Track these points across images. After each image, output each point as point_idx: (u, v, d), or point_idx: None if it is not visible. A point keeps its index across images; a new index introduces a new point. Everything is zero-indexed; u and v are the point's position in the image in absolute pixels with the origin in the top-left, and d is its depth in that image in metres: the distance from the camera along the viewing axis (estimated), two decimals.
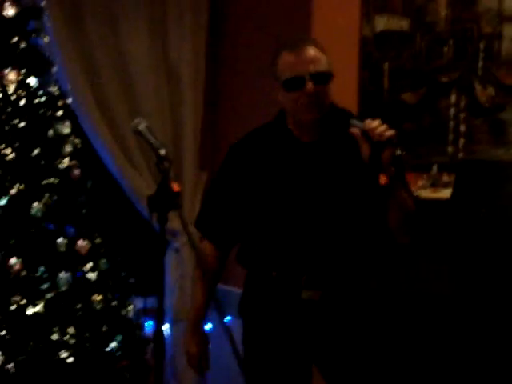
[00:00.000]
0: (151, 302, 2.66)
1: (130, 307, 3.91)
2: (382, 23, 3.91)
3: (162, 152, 2.32)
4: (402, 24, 3.87)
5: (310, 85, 2.62)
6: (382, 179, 2.58)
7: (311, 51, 2.67)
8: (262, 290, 2.83)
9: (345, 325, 2.79)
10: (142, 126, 2.42)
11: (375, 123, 2.55)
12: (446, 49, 3.83)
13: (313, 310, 2.75)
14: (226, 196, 2.85)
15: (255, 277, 2.86)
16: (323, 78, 2.66)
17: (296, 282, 2.73)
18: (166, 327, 4.37)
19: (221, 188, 2.89)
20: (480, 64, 3.78)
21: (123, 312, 3.86)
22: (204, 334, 2.96)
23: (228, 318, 3.92)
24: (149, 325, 4.06)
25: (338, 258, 2.74)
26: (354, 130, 2.58)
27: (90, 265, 3.80)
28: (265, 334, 2.82)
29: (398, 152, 2.57)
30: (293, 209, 2.73)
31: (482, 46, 3.78)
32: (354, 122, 2.60)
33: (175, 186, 2.30)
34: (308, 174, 2.74)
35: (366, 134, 2.55)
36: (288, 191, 2.74)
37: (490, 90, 3.78)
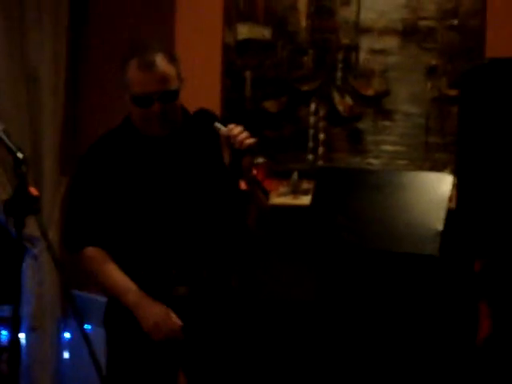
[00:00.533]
0: (6, 310, 2.58)
1: None
2: (244, 31, 3.95)
3: (20, 155, 2.26)
4: (264, 33, 3.93)
5: (156, 105, 2.62)
6: (243, 185, 2.61)
7: (161, 67, 2.63)
8: None
9: (207, 324, 2.79)
10: None
11: (236, 130, 2.57)
12: (306, 58, 3.91)
13: (182, 306, 2.74)
14: (87, 205, 2.79)
15: None
16: (171, 97, 2.66)
17: (166, 277, 2.72)
18: (21, 336, 4.25)
19: (79, 200, 2.82)
20: (339, 74, 3.88)
21: None
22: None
23: (88, 327, 3.85)
24: (4, 334, 3.94)
25: (200, 254, 2.75)
26: (222, 132, 2.59)
27: None
28: (132, 341, 2.77)
29: (260, 160, 2.61)
30: (154, 205, 2.72)
31: (340, 56, 3.89)
32: (218, 125, 2.62)
33: (33, 191, 2.24)
34: (161, 170, 2.73)
35: (228, 139, 2.57)
36: (147, 189, 2.73)
37: (348, 100, 3.90)
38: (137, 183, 2.74)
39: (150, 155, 2.75)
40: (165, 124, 2.66)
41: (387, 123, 3.88)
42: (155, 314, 2.67)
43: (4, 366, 3.58)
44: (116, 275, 2.72)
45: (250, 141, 2.56)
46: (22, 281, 4.24)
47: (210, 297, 2.78)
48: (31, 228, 2.79)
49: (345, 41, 3.88)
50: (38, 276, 4.39)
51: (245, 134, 2.57)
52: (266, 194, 2.87)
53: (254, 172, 2.70)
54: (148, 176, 2.74)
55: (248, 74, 3.96)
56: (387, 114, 3.88)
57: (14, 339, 2.25)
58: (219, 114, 3.91)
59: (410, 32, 3.85)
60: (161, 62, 2.64)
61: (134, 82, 2.64)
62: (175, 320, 2.68)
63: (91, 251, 2.77)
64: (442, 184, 3.28)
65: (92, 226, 2.80)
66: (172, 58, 2.68)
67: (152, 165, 2.75)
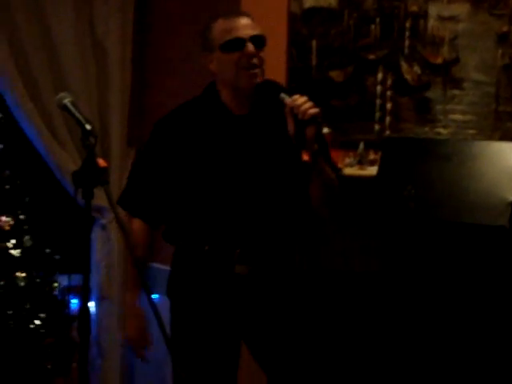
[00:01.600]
0: (76, 279, 2.62)
1: (55, 285, 3.86)
2: (309, 0, 3.91)
3: (88, 127, 2.27)
4: (331, 1, 3.88)
5: (250, 46, 2.64)
6: (305, 156, 2.60)
7: (246, 18, 2.71)
8: (192, 267, 2.81)
9: (272, 301, 2.80)
10: (67, 101, 2.37)
11: (301, 100, 2.55)
12: (373, 27, 3.86)
13: (243, 285, 2.75)
14: (154, 170, 2.82)
15: (184, 253, 2.84)
16: (261, 41, 2.68)
17: (229, 256, 2.73)
18: (91, 305, 4.33)
19: (147, 162, 2.85)
20: (406, 42, 3.82)
21: (47, 289, 3.80)
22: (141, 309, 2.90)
23: (155, 296, 3.90)
24: (74, 303, 4.01)
25: (267, 232, 2.75)
26: (287, 102, 2.58)
27: (13, 241, 3.72)
28: (194, 313, 2.81)
29: (325, 130, 2.59)
30: (223, 182, 2.73)
31: (408, 24, 3.83)
32: (283, 96, 2.61)
33: (101, 162, 2.26)
34: (239, 147, 2.74)
35: (292, 110, 2.56)
36: (218, 164, 2.73)
37: (416, 69, 3.83)
38: (204, 156, 2.74)
39: (225, 128, 2.75)
40: (257, 70, 2.65)
41: (456, 92, 3.81)
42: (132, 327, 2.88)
43: (75, 334, 3.64)
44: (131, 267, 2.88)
45: (314, 110, 2.54)
46: (91, 251, 4.35)
47: (273, 276, 2.78)
48: (99, 199, 2.82)
49: (413, 8, 3.81)
50: (106, 246, 4.46)
51: (309, 104, 2.55)
52: (336, 170, 2.84)
53: (324, 143, 2.68)
54: (217, 149, 2.75)
55: (314, 43, 3.92)
56: (456, 83, 3.80)
57: (84, 308, 2.28)
58: (284, 83, 3.89)
59: None
60: (246, 15, 2.73)
61: (223, 32, 2.67)
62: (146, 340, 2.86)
63: (137, 225, 2.85)
64: None
65: (146, 197, 2.82)
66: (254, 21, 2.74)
67: (225, 139, 2.75)
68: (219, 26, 2.69)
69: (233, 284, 2.75)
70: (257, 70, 2.66)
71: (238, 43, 2.64)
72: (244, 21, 2.68)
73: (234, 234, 2.74)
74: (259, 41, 2.67)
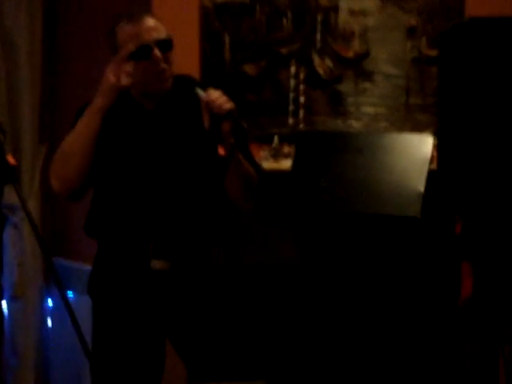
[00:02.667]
0: None
1: None
2: None
3: None
4: None
5: (157, 52, 2.59)
6: (221, 150, 2.60)
7: (150, 20, 2.64)
8: (111, 263, 2.78)
9: (194, 296, 2.79)
10: None
11: (215, 95, 2.55)
12: (285, 21, 3.88)
13: (163, 281, 2.73)
14: None
15: (104, 249, 2.81)
16: (168, 45, 2.64)
17: (143, 251, 2.71)
18: (4, 304, 4.25)
19: None
20: (318, 36, 3.86)
21: None
22: None
23: (70, 294, 3.84)
24: None
25: (183, 226, 2.74)
26: (202, 98, 2.57)
27: None
28: (116, 310, 2.77)
29: (244, 125, 2.59)
30: (138, 174, 2.70)
31: (319, 18, 3.86)
32: (198, 91, 2.60)
33: (11, 159, 2.22)
34: (153, 141, 2.72)
35: (208, 104, 2.55)
36: (133, 158, 2.70)
37: (328, 62, 3.87)
38: (119, 149, 2.72)
39: (138, 124, 2.73)
40: (166, 75, 2.63)
41: (367, 85, 3.86)
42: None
43: None
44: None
45: (229, 105, 2.54)
46: (4, 250, 4.27)
47: (191, 269, 2.77)
48: (11, 197, 2.77)
49: (324, 2, 3.85)
50: (19, 244, 4.38)
51: (223, 99, 2.55)
52: (256, 164, 2.84)
53: (247, 139, 2.69)
54: (132, 142, 2.72)
55: (227, 37, 3.92)
56: (367, 76, 3.86)
57: None
58: (198, 78, 3.88)
59: None
60: (149, 17, 2.66)
61: (128, 39, 2.61)
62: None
63: None
64: (422, 145, 3.27)
65: None
66: (158, 20, 2.68)
67: (137, 131, 2.72)
68: (123, 30, 2.63)
69: (149, 279, 2.73)
70: (166, 74, 2.64)
71: (144, 51, 2.59)
72: (148, 23, 2.62)
73: (148, 228, 2.71)
74: (166, 45, 2.63)
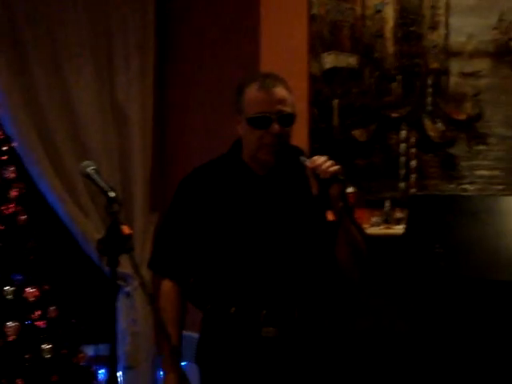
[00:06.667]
0: (103, 348, 2.58)
1: (82, 355, 3.81)
2: (330, 60, 3.92)
3: (112, 194, 2.26)
4: (350, 60, 3.89)
5: (275, 126, 2.61)
6: (330, 215, 2.57)
7: (280, 91, 2.65)
8: (220, 331, 2.76)
9: (300, 364, 2.74)
10: (90, 169, 2.36)
11: (321, 160, 2.54)
12: (394, 84, 3.85)
13: (271, 347, 2.70)
14: (180, 230, 2.78)
15: (211, 317, 2.80)
16: (289, 120, 2.65)
17: (256, 318, 2.68)
18: (118, 374, 4.27)
19: (174, 223, 2.82)
20: (429, 99, 3.82)
21: (74, 360, 3.76)
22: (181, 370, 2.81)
23: (183, 363, 3.83)
24: (101, 373, 3.96)
25: (292, 293, 2.70)
26: (307, 165, 2.56)
27: (38, 312, 3.69)
28: (224, 378, 2.75)
29: (350, 189, 2.56)
30: (246, 242, 2.69)
31: (430, 81, 3.82)
32: (302, 159, 2.60)
33: (125, 229, 2.24)
34: (263, 207, 2.71)
35: (314, 170, 2.54)
36: (243, 224, 2.70)
37: (440, 125, 3.82)
38: (230, 216, 2.72)
39: (248, 188, 2.73)
40: (278, 151, 2.63)
41: (481, 147, 3.79)
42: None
43: None
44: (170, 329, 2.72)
45: (334, 168, 2.52)
46: (117, 319, 4.31)
47: (301, 338, 2.72)
48: (124, 266, 2.79)
49: (434, 65, 3.81)
50: (132, 314, 4.41)
51: (328, 163, 2.53)
52: (362, 231, 2.80)
53: (350, 202, 2.65)
54: (240, 209, 2.72)
55: (335, 102, 3.92)
56: (481, 138, 3.78)
57: (112, 378, 2.24)
58: (307, 144, 3.88)
59: (501, 53, 3.77)
60: (281, 86, 2.66)
61: (253, 103, 2.63)
62: None
63: (168, 287, 2.78)
64: None
65: (178, 256, 2.78)
66: (289, 89, 2.69)
67: (248, 199, 2.72)
68: (252, 93, 2.66)
69: (260, 347, 2.70)
70: (277, 152, 2.64)
71: (264, 121, 2.62)
72: (277, 93, 2.63)
73: (259, 296, 2.69)
74: (287, 119, 2.65)
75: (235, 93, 2.71)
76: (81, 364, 3.80)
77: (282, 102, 2.63)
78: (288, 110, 2.65)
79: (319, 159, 2.55)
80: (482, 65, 3.78)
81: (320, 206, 2.59)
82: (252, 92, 2.65)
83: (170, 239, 2.82)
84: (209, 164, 2.83)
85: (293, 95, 2.69)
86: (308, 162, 2.57)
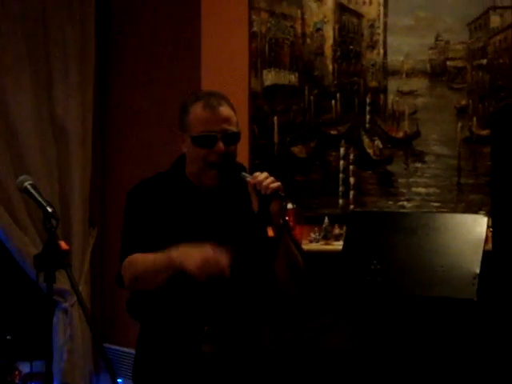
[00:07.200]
0: (39, 365, 2.54)
1: (17, 372, 3.75)
2: (270, 77, 3.95)
3: (49, 209, 2.23)
4: (290, 78, 3.92)
5: (221, 144, 2.61)
6: (270, 232, 2.58)
7: (225, 110, 2.65)
8: (158, 347, 2.74)
9: (240, 381, 2.74)
10: (28, 184, 2.34)
11: (262, 176, 2.56)
12: (333, 102, 3.90)
13: (211, 365, 2.69)
14: (144, 236, 2.74)
15: (149, 332, 2.77)
16: (234, 139, 2.65)
17: (195, 334, 2.67)
18: None
19: (135, 231, 2.77)
20: (367, 117, 3.87)
21: (9, 378, 3.70)
22: None
23: (120, 381, 3.80)
24: None
25: (234, 309, 2.70)
26: (249, 181, 2.57)
27: None
28: None
29: (289, 205, 2.58)
30: None
31: (368, 99, 3.87)
32: (244, 175, 2.61)
33: (63, 245, 2.21)
34: (204, 222, 2.71)
35: (255, 186, 2.55)
36: (184, 239, 2.68)
37: (378, 143, 3.87)
38: (172, 231, 2.71)
39: (189, 204, 2.72)
40: (222, 174, 2.64)
41: (418, 165, 3.84)
42: (204, 250, 2.51)
43: None
44: (152, 255, 2.59)
45: (275, 185, 2.54)
46: (53, 335, 4.25)
47: (239, 355, 2.72)
48: (61, 282, 2.77)
49: (372, 83, 3.87)
50: (68, 330, 4.36)
51: (269, 179, 2.55)
52: (299, 247, 2.81)
53: (287, 219, 2.66)
54: (184, 225, 2.71)
55: (275, 119, 3.94)
56: (418, 156, 3.84)
57: None
58: (247, 160, 3.89)
59: (438, 73, 3.84)
60: (226, 105, 2.66)
61: (198, 122, 2.63)
62: (224, 256, 2.51)
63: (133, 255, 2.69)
64: (476, 226, 3.22)
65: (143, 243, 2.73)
66: (233, 107, 2.69)
67: (190, 214, 2.72)
68: (197, 112, 2.65)
69: (198, 364, 2.69)
70: (221, 173, 2.64)
71: (209, 140, 2.62)
72: (222, 112, 2.63)
73: (200, 311, 2.68)
74: (232, 138, 2.65)
75: (179, 111, 2.71)
76: (16, 381, 3.75)
77: (226, 120, 2.64)
78: (233, 128, 2.65)
79: (260, 175, 2.56)
80: (418, 84, 3.84)
81: (260, 222, 2.60)
82: (197, 111, 2.65)
83: (135, 238, 2.76)
84: (156, 177, 2.82)
85: (236, 113, 2.70)
86: (249, 178, 2.59)
